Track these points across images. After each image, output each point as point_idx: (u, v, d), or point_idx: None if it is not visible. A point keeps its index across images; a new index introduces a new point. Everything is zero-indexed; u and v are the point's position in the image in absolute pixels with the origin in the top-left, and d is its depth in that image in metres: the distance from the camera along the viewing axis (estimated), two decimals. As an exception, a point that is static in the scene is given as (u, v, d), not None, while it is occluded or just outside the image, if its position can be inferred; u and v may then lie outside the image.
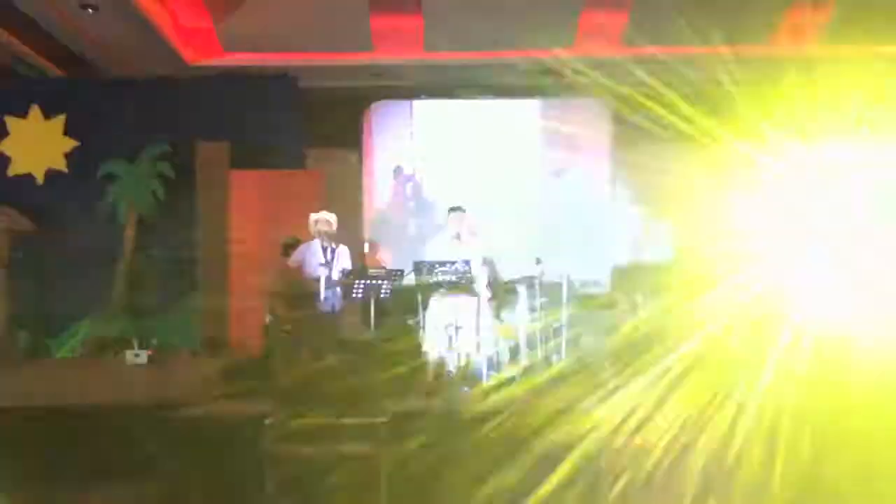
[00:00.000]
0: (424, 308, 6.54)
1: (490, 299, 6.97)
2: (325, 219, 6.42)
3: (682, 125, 10.08)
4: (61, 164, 8.63)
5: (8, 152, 8.59)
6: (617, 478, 4.64)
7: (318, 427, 4.68)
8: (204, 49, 9.16)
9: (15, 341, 8.12)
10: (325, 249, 6.35)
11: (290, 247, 6.86)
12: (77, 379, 6.38)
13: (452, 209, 6.62)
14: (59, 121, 8.65)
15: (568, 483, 4.96)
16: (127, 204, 8.44)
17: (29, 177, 8.60)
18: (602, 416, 4.65)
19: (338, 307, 6.39)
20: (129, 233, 8.40)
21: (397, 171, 9.68)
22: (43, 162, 8.62)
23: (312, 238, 6.49)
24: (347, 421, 4.69)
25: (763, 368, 5.01)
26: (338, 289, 6.30)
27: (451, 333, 6.00)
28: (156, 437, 5.26)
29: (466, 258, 6.02)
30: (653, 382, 5.05)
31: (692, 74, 9.80)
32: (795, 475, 4.49)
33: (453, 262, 5.92)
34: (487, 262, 6.70)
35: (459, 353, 6.24)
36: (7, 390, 6.26)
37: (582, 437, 4.82)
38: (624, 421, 4.68)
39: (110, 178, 8.50)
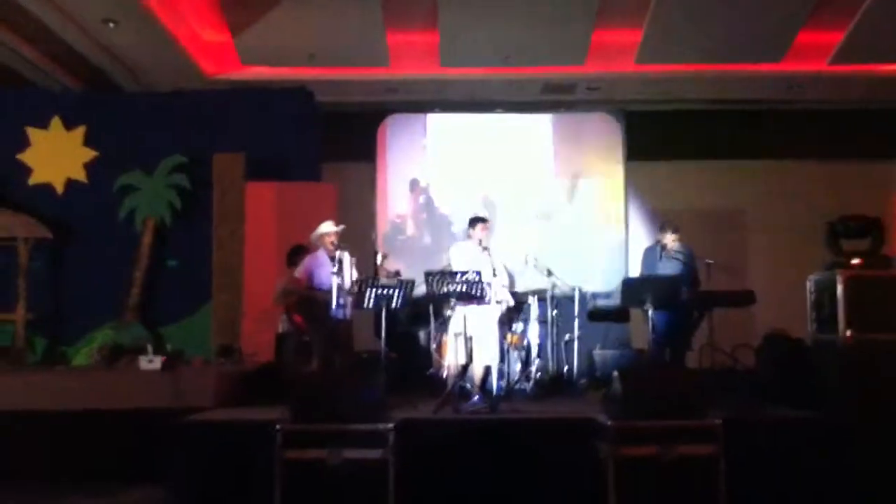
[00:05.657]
0: (435, 318, 6.58)
1: (507, 310, 6.98)
2: (333, 231, 6.44)
3: (694, 141, 10.15)
4: (80, 175, 8.76)
5: (29, 162, 8.72)
6: (629, 489, 4.63)
7: (327, 433, 4.70)
8: (223, 63, 9.31)
9: (32, 348, 8.23)
10: (331, 259, 6.37)
11: (294, 254, 6.90)
12: (91, 384, 6.43)
13: (476, 219, 6.67)
14: (80, 132, 8.79)
15: (579, 495, 4.97)
16: (144, 214, 8.55)
17: (48, 186, 8.73)
18: (614, 427, 4.64)
19: (349, 316, 6.42)
20: (146, 242, 8.50)
21: (413, 183, 9.77)
22: (62, 172, 8.75)
23: (317, 249, 6.50)
24: (356, 427, 4.72)
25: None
26: (349, 298, 6.34)
27: (463, 343, 6.02)
28: (167, 441, 5.31)
29: (490, 268, 6.09)
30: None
31: (704, 92, 9.89)
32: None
33: (464, 273, 5.95)
34: (509, 273, 6.75)
35: (470, 363, 6.25)
36: (22, 395, 6.33)
37: (593, 449, 4.83)
38: (636, 432, 4.68)
39: (128, 188, 8.62)
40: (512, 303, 6.81)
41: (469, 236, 6.79)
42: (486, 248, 6.51)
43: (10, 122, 8.72)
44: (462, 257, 6.57)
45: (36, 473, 5.92)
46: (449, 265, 6.68)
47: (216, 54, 9.19)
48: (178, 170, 8.61)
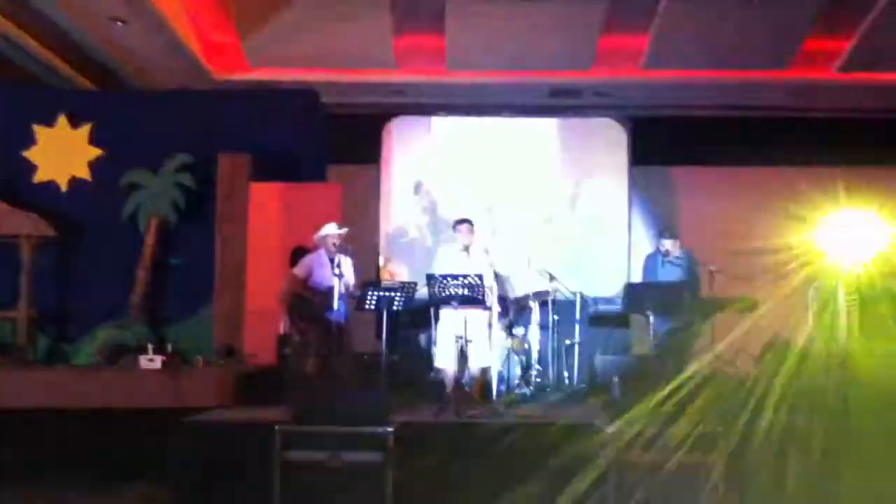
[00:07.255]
0: (436, 321, 6.58)
1: (501, 314, 6.97)
2: (336, 232, 6.46)
3: (699, 147, 10.14)
4: (85, 173, 8.76)
5: (34, 160, 8.73)
6: (628, 495, 4.64)
7: (327, 435, 4.72)
8: (230, 64, 9.34)
9: (34, 345, 8.24)
10: (332, 260, 6.38)
11: (297, 255, 6.91)
12: (92, 383, 6.47)
13: (460, 221, 6.62)
14: (85, 130, 8.80)
15: (578, 500, 4.96)
16: (148, 213, 8.54)
17: (53, 184, 8.75)
18: (613, 433, 4.65)
19: (349, 318, 6.43)
20: (149, 241, 8.50)
21: (417, 186, 9.78)
22: (67, 170, 8.74)
23: (317, 248, 6.53)
24: (356, 430, 4.72)
25: (772, 388, 5.03)
26: (349, 299, 6.36)
27: (462, 347, 6.02)
28: (167, 441, 5.33)
29: (475, 272, 6.05)
30: (664, 401, 5.02)
31: (710, 98, 9.88)
32: (804, 494, 4.48)
33: (466, 276, 5.95)
34: (498, 278, 6.71)
35: (470, 367, 6.26)
36: (25, 393, 6.37)
37: (593, 455, 4.83)
38: (635, 438, 4.68)
39: (133, 187, 8.62)
40: (499, 309, 6.72)
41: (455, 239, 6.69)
42: (465, 249, 6.45)
43: (17, 119, 8.73)
44: (444, 260, 6.54)
45: (35, 472, 5.93)
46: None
47: (224, 55, 9.21)
48: (184, 169, 8.60)
